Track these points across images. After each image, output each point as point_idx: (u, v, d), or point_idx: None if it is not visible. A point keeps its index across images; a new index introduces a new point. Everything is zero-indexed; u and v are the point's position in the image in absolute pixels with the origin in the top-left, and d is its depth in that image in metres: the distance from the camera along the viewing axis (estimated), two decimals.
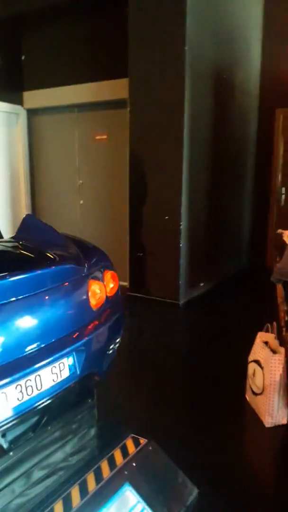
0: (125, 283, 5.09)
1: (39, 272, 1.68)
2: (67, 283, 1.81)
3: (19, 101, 6.14)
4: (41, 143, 6.34)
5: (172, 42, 4.42)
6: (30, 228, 2.21)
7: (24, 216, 2.30)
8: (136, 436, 2.14)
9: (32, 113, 6.27)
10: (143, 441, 2.10)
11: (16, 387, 1.49)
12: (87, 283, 1.93)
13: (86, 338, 1.83)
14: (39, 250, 1.96)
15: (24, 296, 1.58)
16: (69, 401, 1.89)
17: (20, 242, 2.09)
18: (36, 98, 6.05)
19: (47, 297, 1.69)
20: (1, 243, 2.05)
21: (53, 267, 1.79)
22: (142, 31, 4.58)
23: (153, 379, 3.32)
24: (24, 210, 6.34)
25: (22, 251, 1.95)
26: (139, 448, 2.04)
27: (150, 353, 3.79)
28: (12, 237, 2.24)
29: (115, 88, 5.19)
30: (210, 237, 5.42)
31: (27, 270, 1.63)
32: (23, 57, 6.03)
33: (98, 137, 5.70)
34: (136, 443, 2.08)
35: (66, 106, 5.84)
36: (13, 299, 1.53)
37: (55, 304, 1.74)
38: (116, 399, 2.89)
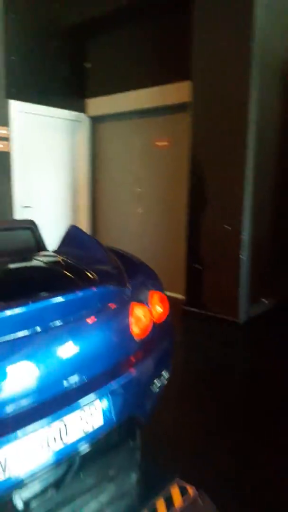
0: (181, 296, 4.80)
1: (71, 295, 1.46)
2: (104, 308, 1.56)
3: (82, 108, 6.13)
4: (102, 151, 6.28)
5: (237, 41, 4.10)
6: (74, 241, 2.02)
7: (68, 227, 2.11)
8: (183, 482, 1.84)
9: (94, 121, 6.23)
10: (191, 489, 1.81)
11: (34, 438, 1.28)
12: (129, 307, 1.67)
13: (125, 376, 1.58)
14: (78, 267, 1.75)
15: (50, 325, 1.37)
16: (104, 448, 1.64)
17: (60, 257, 1.89)
18: (98, 105, 6.00)
19: (77, 326, 1.47)
20: (40, 258, 1.86)
21: (88, 289, 1.56)
22: (206, 31, 4.30)
23: (209, 409, 2.98)
24: (84, 219, 6.30)
25: (59, 269, 1.74)
26: (185, 499, 1.74)
27: (206, 377, 3.45)
28: (54, 250, 2.05)
29: (176, 92, 4.96)
30: (275, 248, 4.97)
31: (56, 293, 1.42)
32: (86, 65, 6.00)
33: (158, 143, 5.50)
34: (183, 491, 1.80)
35: (128, 113, 5.73)
36: (37, 329, 1.32)
37: (87, 335, 1.52)
38: (164, 434, 2.60)
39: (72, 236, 2.04)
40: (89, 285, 1.58)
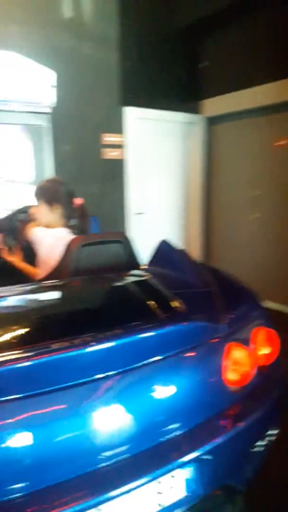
0: None
1: (143, 333, 1.19)
2: (188, 350, 1.26)
3: (197, 110, 5.88)
4: (217, 152, 5.96)
5: None
6: (164, 258, 1.76)
7: (160, 242, 1.86)
8: None
9: (210, 122, 5.95)
10: None
11: None
12: (224, 348, 1.34)
13: (216, 439, 1.24)
14: (163, 293, 1.46)
15: (117, 371, 1.12)
16: None
17: (145, 278, 1.63)
18: (214, 105, 5.70)
19: (151, 374, 1.19)
20: (121, 279, 1.62)
21: (170, 325, 1.26)
22: None
23: None
24: (196, 224, 6.05)
25: (139, 295, 1.47)
26: None
27: None
28: (143, 268, 1.82)
29: None
30: None
31: (125, 330, 1.18)
32: (202, 65, 5.75)
33: (279, 142, 4.96)
34: None
35: (245, 111, 5.33)
36: (99, 376, 1.09)
37: (163, 385, 1.22)
38: (272, 500, 2.15)
39: (162, 253, 1.79)
40: (172, 319, 1.29)
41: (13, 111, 3.10)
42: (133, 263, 1.93)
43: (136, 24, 4.82)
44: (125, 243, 1.94)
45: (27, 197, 2.71)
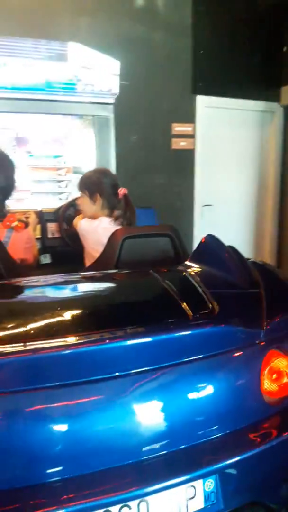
0: None
1: (169, 334, 1.16)
2: (220, 355, 1.21)
3: (275, 97, 5.54)
4: None
5: None
6: (209, 253, 1.68)
7: (205, 236, 1.78)
8: None
9: None
10: None
11: None
12: (263, 356, 1.24)
13: (247, 451, 1.16)
14: (199, 292, 1.39)
15: (142, 369, 1.12)
16: None
17: (186, 275, 1.56)
18: None
19: (177, 377, 1.17)
20: (159, 275, 1.55)
21: (198, 328, 1.22)
22: None
23: None
24: (270, 219, 5.75)
25: (173, 293, 1.40)
26: None
27: None
28: (186, 262, 1.76)
29: None
30: None
31: (150, 329, 1.17)
32: (284, 49, 5.40)
33: None
34: None
35: None
36: (121, 373, 1.10)
37: (187, 390, 1.19)
38: None
39: (207, 248, 1.69)
40: (201, 321, 1.22)
41: (78, 102, 3.15)
42: (180, 257, 1.86)
43: (210, 10, 4.64)
44: (173, 237, 1.87)
45: None
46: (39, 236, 2.47)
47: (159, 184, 4.70)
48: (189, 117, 4.82)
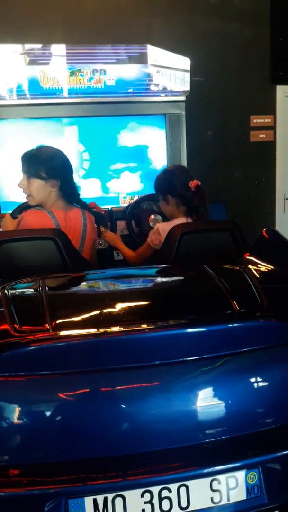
0: None
1: (212, 327, 1.21)
2: (266, 349, 1.24)
3: None
4: None
5: None
6: (268, 247, 1.66)
7: (265, 230, 1.76)
8: None
9: None
10: None
11: (142, 494, 1.10)
12: None
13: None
14: (252, 285, 1.40)
15: (176, 360, 1.17)
16: None
17: (239, 268, 1.57)
18: None
19: (216, 368, 1.20)
20: (212, 269, 1.57)
21: (241, 321, 1.26)
22: None
23: None
24: None
25: (222, 287, 1.42)
26: None
27: None
28: (245, 257, 1.75)
29: None
30: None
31: (191, 321, 1.23)
32: None
33: None
34: None
35: None
36: (156, 362, 1.16)
37: (240, 381, 1.22)
38: None
39: (267, 242, 1.67)
40: (245, 315, 1.24)
41: (150, 102, 3.24)
42: (240, 252, 1.85)
43: None
44: (234, 231, 1.86)
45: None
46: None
47: (236, 179, 4.61)
48: (268, 108, 4.65)
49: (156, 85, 3.21)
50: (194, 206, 2.09)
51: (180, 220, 2.09)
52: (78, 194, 2.11)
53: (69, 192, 2.03)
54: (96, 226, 2.26)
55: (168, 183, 2.15)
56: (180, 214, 2.13)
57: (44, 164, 1.95)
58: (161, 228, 2.10)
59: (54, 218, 1.95)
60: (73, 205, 2.12)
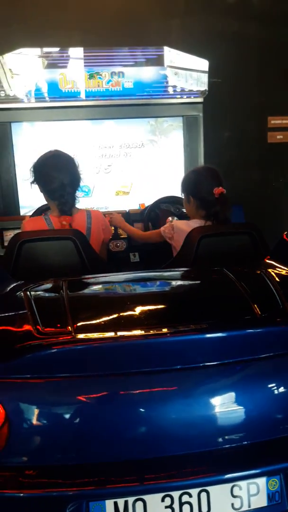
0: None
1: (230, 332, 1.21)
2: (280, 355, 1.23)
3: None
4: None
5: None
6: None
7: (286, 232, 1.74)
8: None
9: None
10: None
11: (163, 499, 1.10)
12: None
13: None
14: (274, 289, 1.40)
15: (194, 364, 1.18)
16: None
17: (260, 272, 1.56)
18: None
19: (236, 373, 1.20)
20: (232, 272, 1.56)
21: (263, 326, 1.26)
22: None
23: None
24: None
25: (244, 291, 1.41)
26: None
27: None
28: (266, 260, 1.74)
29: None
30: None
31: (212, 326, 1.21)
32: None
33: None
34: None
35: None
36: (177, 367, 1.16)
37: (260, 386, 1.21)
38: None
39: (287, 246, 1.65)
40: (267, 320, 1.24)
41: (167, 104, 3.25)
42: (260, 256, 1.84)
43: None
44: (253, 235, 1.85)
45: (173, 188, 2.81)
46: (125, 236, 2.62)
47: (254, 180, 4.58)
48: (286, 109, 4.60)
49: (174, 86, 3.22)
50: (214, 212, 2.08)
51: (197, 222, 2.10)
52: (70, 205, 2.09)
53: (60, 203, 2.06)
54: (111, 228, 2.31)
55: (193, 184, 2.14)
56: (198, 216, 2.13)
57: (44, 183, 2.06)
58: (175, 225, 2.15)
59: (51, 224, 2.04)
60: (77, 207, 2.18)
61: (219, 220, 2.06)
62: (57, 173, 2.01)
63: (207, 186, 2.09)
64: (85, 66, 3.08)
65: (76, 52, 3.09)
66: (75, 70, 3.06)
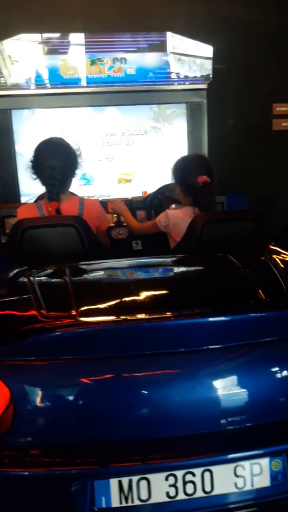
0: None
1: (234, 316, 1.22)
2: (284, 339, 1.24)
3: None
4: None
5: None
6: None
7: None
8: None
9: None
10: None
11: (167, 478, 1.11)
12: None
13: None
14: (278, 275, 1.40)
15: (198, 348, 1.19)
16: None
17: (264, 258, 1.56)
18: None
19: (239, 357, 1.22)
20: (237, 258, 1.56)
21: (267, 311, 1.27)
22: None
23: None
24: None
25: (247, 277, 1.42)
26: None
27: None
28: (270, 247, 1.74)
29: None
30: None
31: (216, 310, 1.24)
32: None
33: None
34: None
35: None
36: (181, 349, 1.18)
37: (263, 369, 1.23)
38: None
39: None
40: (271, 304, 1.24)
41: (171, 91, 3.22)
42: (265, 243, 1.83)
43: None
44: (258, 221, 1.85)
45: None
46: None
47: (258, 168, 4.54)
48: None
49: (177, 73, 3.18)
50: (197, 200, 2.09)
51: (187, 208, 2.12)
52: (58, 191, 2.06)
53: (48, 190, 2.07)
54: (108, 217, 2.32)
55: (180, 170, 2.16)
56: (187, 203, 2.15)
57: (35, 169, 2.06)
58: (169, 213, 2.17)
59: (41, 211, 2.04)
60: (72, 194, 2.17)
61: (202, 208, 2.07)
62: (47, 159, 2.01)
63: (192, 173, 2.10)
64: (86, 52, 3.04)
65: (77, 38, 3.05)
66: (76, 56, 3.02)
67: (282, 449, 1.16)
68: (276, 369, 1.21)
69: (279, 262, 1.50)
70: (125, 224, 2.62)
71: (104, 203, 2.47)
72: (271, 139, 4.52)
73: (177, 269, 1.69)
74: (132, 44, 3.15)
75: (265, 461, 1.15)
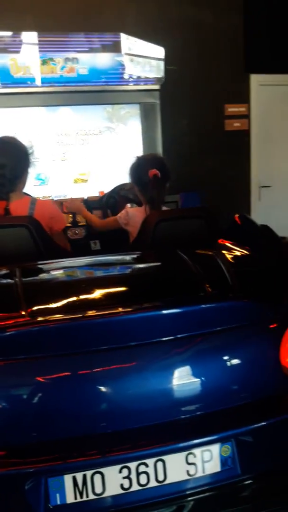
0: None
1: (184, 308, 1.26)
2: (236, 329, 1.29)
3: None
4: None
5: None
6: (240, 232, 1.72)
7: (238, 215, 1.81)
8: None
9: None
10: None
11: (120, 470, 1.14)
12: (284, 330, 1.28)
13: (264, 422, 1.22)
14: (224, 268, 1.46)
15: (159, 340, 1.23)
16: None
17: (212, 253, 1.62)
18: None
19: (189, 347, 1.26)
20: (184, 254, 1.61)
21: (212, 302, 1.31)
22: None
23: None
24: None
25: (194, 271, 1.47)
26: None
27: None
28: (218, 242, 1.80)
29: None
30: None
31: (164, 303, 1.27)
32: None
33: None
34: None
35: None
36: (131, 344, 1.21)
37: (212, 359, 1.28)
38: None
39: (239, 228, 1.72)
40: (216, 296, 1.29)
41: (124, 91, 3.25)
42: (214, 238, 1.90)
43: None
44: (207, 218, 1.91)
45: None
46: (84, 223, 2.62)
47: (212, 167, 4.65)
48: (242, 97, 4.69)
49: (130, 74, 3.22)
50: (151, 198, 2.13)
51: (145, 207, 2.15)
52: (7, 190, 2.02)
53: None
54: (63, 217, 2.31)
55: (134, 169, 2.19)
56: (144, 201, 2.18)
57: None
58: (129, 211, 2.22)
59: None
60: (24, 194, 2.14)
61: (155, 207, 2.10)
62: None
63: (146, 172, 2.12)
64: (38, 51, 3.01)
65: (28, 37, 3.01)
66: (27, 56, 2.99)
67: (231, 434, 1.21)
68: (224, 357, 1.27)
69: (225, 255, 1.56)
70: (81, 224, 2.62)
71: (61, 204, 2.46)
72: (224, 139, 4.65)
73: (128, 266, 1.71)
74: (85, 44, 3.15)
75: (215, 448, 1.20)
